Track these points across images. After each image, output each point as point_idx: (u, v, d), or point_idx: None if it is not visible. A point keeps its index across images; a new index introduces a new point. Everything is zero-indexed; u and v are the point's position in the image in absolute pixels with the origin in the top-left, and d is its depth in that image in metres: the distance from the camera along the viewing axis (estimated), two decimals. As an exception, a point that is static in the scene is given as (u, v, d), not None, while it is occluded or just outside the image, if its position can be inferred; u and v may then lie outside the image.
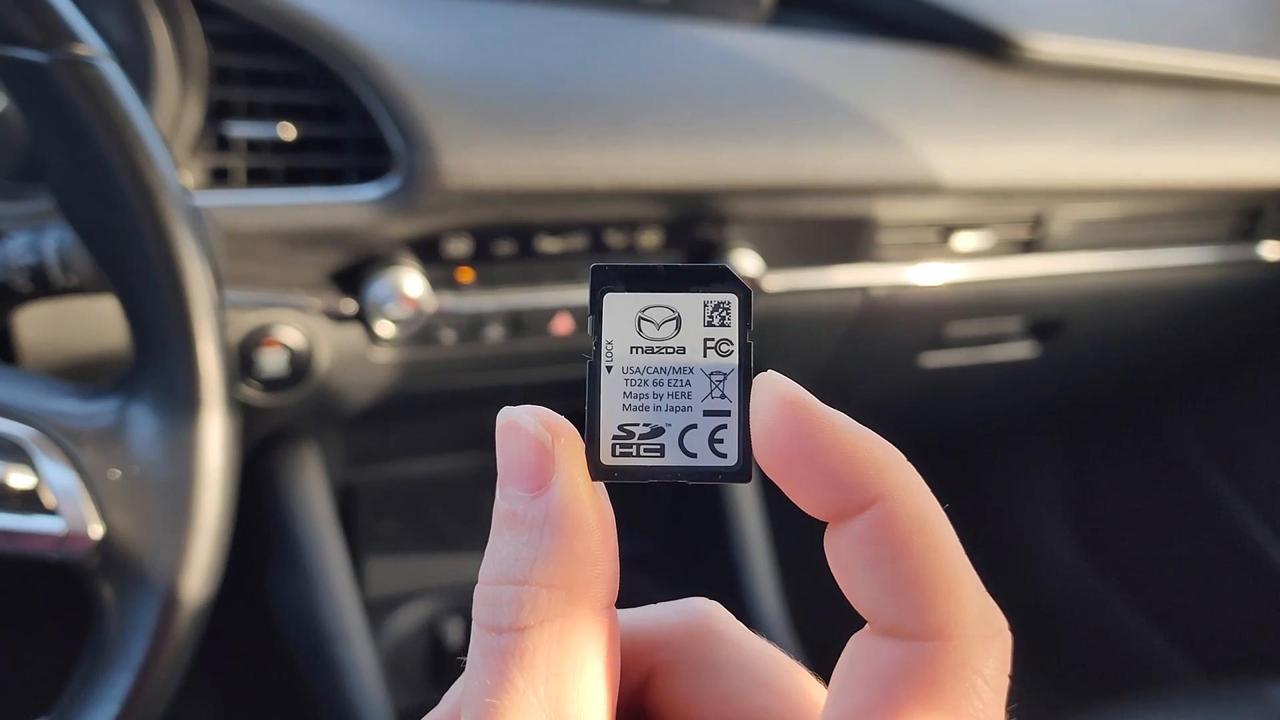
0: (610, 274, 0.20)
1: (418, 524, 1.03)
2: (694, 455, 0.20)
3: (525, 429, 0.20)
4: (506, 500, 0.20)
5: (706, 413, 0.20)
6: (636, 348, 0.20)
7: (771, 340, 0.87)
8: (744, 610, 0.95)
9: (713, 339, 0.20)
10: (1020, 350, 1.02)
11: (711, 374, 0.20)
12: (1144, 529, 1.29)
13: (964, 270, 0.89)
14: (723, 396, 0.20)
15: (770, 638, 0.23)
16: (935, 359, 0.98)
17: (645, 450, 0.20)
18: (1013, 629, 0.19)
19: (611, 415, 0.20)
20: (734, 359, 0.20)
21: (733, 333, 0.20)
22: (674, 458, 0.20)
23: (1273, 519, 1.16)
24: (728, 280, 0.20)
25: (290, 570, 0.81)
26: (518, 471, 0.19)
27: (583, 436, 0.20)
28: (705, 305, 0.20)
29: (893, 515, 0.18)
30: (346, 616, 0.80)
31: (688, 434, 0.20)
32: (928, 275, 0.88)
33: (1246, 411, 1.20)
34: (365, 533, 1.01)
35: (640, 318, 0.20)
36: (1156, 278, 1.00)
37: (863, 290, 0.86)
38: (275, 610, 0.83)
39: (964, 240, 0.88)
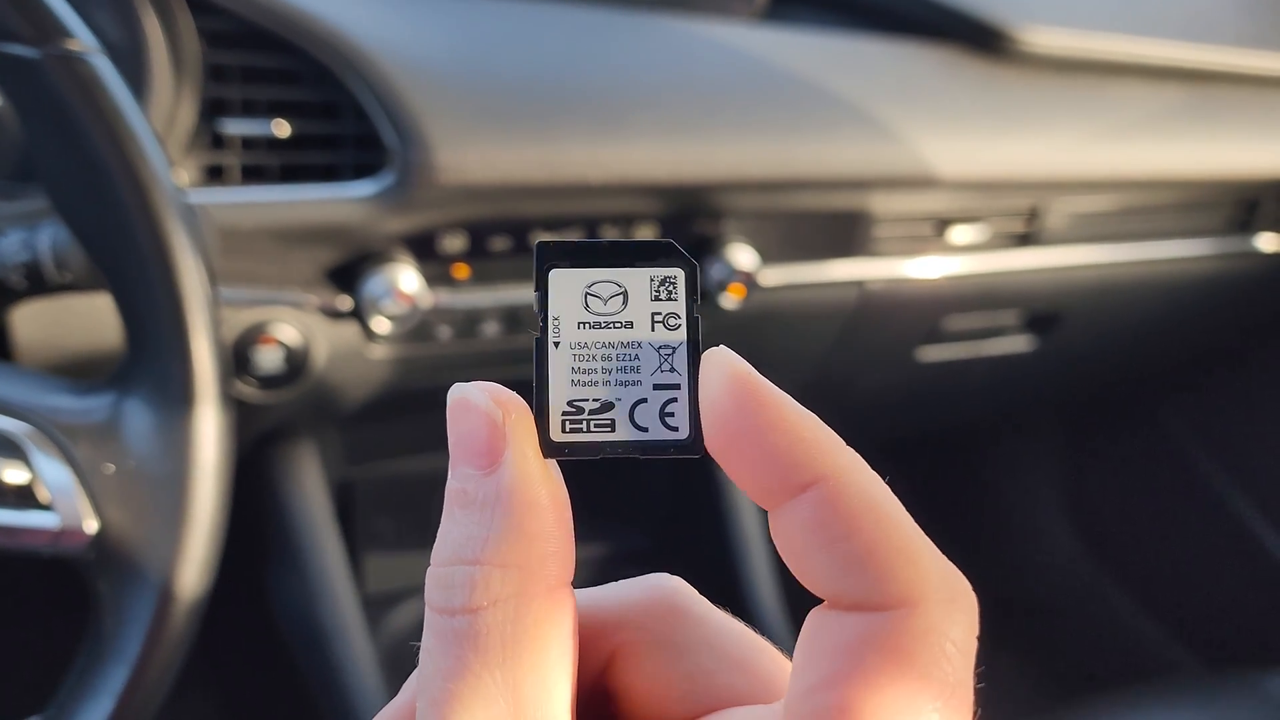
0: (556, 250, 0.20)
1: (415, 520, 1.03)
2: (645, 430, 0.20)
3: (476, 405, 0.19)
4: (458, 479, 0.19)
5: (656, 386, 0.20)
6: (584, 323, 0.20)
7: (768, 335, 0.87)
8: (741, 606, 0.95)
9: (660, 313, 0.20)
10: (1017, 344, 1.02)
11: (660, 348, 0.20)
12: (1142, 521, 1.29)
13: (960, 264, 0.89)
14: (671, 370, 0.20)
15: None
16: (932, 353, 0.98)
17: (595, 425, 0.20)
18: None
19: (560, 391, 0.20)
20: (682, 333, 0.20)
21: (680, 307, 0.20)
22: (625, 432, 0.20)
23: (1270, 510, 1.16)
24: (673, 255, 0.20)
25: (288, 567, 0.82)
26: (469, 449, 0.19)
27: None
28: (652, 280, 0.20)
29: (838, 494, 0.18)
30: (344, 613, 0.80)
31: (638, 408, 0.20)
32: (924, 269, 0.88)
33: (1243, 403, 1.20)
34: (363, 529, 1.01)
35: (587, 293, 0.20)
36: (1153, 270, 1.00)
37: (859, 284, 0.86)
38: (273, 607, 0.83)
39: (960, 234, 0.88)
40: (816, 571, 0.19)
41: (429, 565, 0.19)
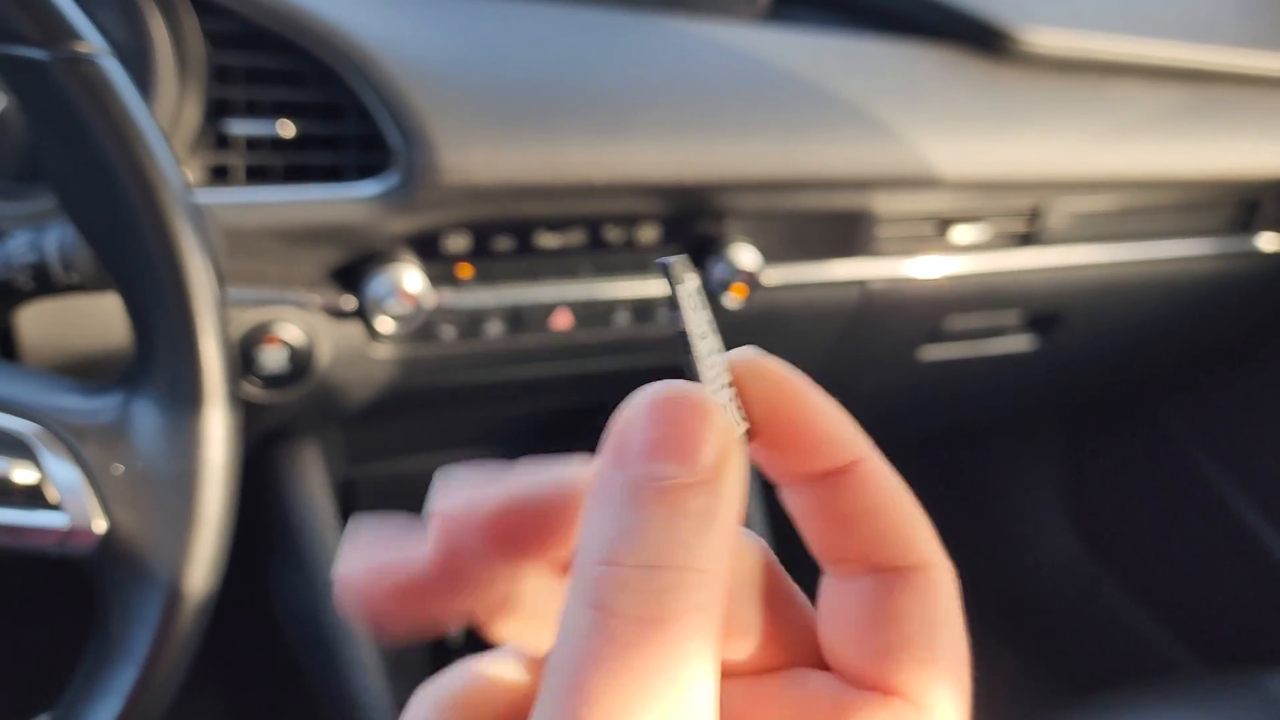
0: (680, 268, 0.21)
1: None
2: (735, 424, 0.21)
3: (712, 413, 0.19)
4: (657, 477, 0.18)
5: (723, 386, 0.21)
6: (699, 334, 0.21)
7: (770, 334, 0.87)
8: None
9: (705, 320, 0.21)
10: (1018, 343, 1.02)
11: (717, 349, 0.21)
12: (1142, 521, 1.29)
13: (962, 263, 0.90)
14: (724, 371, 0.21)
15: None
16: (934, 352, 0.99)
17: None
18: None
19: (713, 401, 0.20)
20: (716, 336, 0.21)
21: (709, 312, 0.21)
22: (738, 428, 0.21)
23: (1271, 510, 1.16)
24: (689, 267, 0.21)
25: (292, 567, 0.82)
26: (690, 449, 0.19)
27: None
28: (694, 294, 0.21)
29: (872, 472, 0.21)
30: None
31: (729, 406, 0.21)
32: (926, 268, 0.88)
33: (1244, 403, 1.20)
34: (366, 529, 1.01)
35: (692, 305, 0.21)
36: (1154, 270, 1.00)
37: (861, 284, 0.87)
38: (277, 607, 0.83)
39: (961, 233, 0.88)
40: (851, 538, 0.21)
41: (600, 563, 0.18)
